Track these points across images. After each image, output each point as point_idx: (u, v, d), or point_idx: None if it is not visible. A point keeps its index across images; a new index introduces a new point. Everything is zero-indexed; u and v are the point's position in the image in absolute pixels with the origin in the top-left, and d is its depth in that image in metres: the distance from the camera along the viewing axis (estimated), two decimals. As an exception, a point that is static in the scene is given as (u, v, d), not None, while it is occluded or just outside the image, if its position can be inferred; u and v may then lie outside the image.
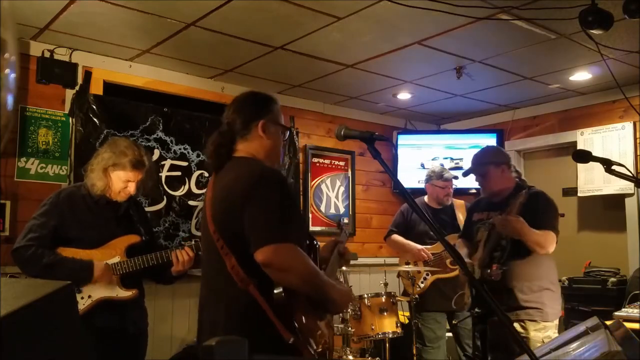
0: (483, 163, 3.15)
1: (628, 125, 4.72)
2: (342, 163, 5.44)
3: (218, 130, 2.07)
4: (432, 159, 5.53)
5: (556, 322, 2.98)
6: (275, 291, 1.78)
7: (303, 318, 1.81)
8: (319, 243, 2.14)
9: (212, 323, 1.94)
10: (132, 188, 2.79)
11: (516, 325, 2.92)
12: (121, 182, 2.76)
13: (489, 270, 2.82)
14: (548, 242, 2.91)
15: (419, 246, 4.07)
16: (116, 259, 2.72)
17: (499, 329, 2.76)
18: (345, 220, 2.69)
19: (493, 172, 3.10)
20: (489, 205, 3.15)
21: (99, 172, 2.74)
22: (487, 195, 3.22)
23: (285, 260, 1.75)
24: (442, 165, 5.17)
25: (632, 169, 4.52)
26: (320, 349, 1.91)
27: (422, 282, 4.09)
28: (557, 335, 2.97)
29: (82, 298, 2.64)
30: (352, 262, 4.93)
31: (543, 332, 2.88)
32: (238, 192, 1.85)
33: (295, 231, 1.84)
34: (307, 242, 2.05)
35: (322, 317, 1.94)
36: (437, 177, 4.16)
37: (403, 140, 5.68)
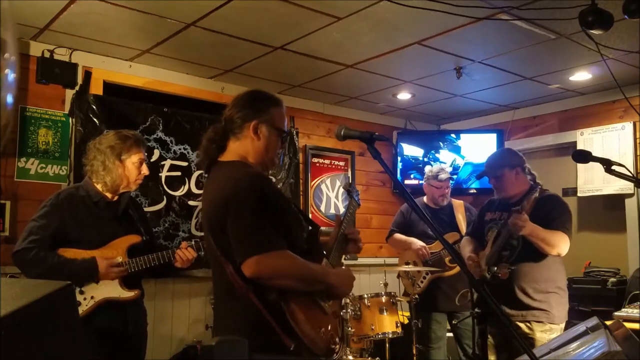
0: (497, 166, 3.13)
1: (628, 125, 4.72)
2: (342, 163, 5.44)
3: (213, 125, 2.03)
4: (433, 160, 5.53)
5: (562, 325, 2.95)
6: (269, 296, 1.77)
7: (302, 320, 1.77)
8: (321, 228, 2.09)
9: (215, 330, 1.94)
10: (145, 168, 2.81)
11: (522, 325, 2.90)
12: (136, 167, 2.76)
13: (495, 268, 2.81)
14: (558, 241, 2.86)
15: (421, 243, 4.07)
16: (118, 260, 2.72)
17: (505, 330, 2.76)
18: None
19: (507, 174, 3.08)
20: (502, 206, 3.15)
21: (113, 164, 2.71)
22: (501, 198, 3.20)
23: (270, 268, 1.74)
24: (442, 163, 5.18)
25: (632, 169, 4.51)
26: (332, 345, 1.88)
27: (421, 281, 4.09)
28: None
29: (85, 299, 2.63)
30: (352, 262, 4.91)
31: (549, 333, 2.86)
32: (220, 203, 1.84)
33: (281, 231, 1.81)
34: (308, 230, 2.02)
35: (324, 308, 1.89)
36: (433, 178, 4.18)
37: (403, 140, 5.69)
